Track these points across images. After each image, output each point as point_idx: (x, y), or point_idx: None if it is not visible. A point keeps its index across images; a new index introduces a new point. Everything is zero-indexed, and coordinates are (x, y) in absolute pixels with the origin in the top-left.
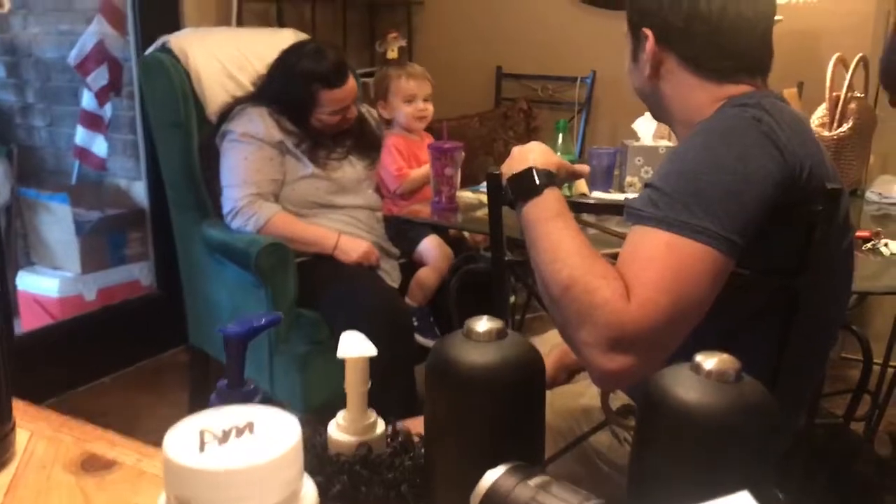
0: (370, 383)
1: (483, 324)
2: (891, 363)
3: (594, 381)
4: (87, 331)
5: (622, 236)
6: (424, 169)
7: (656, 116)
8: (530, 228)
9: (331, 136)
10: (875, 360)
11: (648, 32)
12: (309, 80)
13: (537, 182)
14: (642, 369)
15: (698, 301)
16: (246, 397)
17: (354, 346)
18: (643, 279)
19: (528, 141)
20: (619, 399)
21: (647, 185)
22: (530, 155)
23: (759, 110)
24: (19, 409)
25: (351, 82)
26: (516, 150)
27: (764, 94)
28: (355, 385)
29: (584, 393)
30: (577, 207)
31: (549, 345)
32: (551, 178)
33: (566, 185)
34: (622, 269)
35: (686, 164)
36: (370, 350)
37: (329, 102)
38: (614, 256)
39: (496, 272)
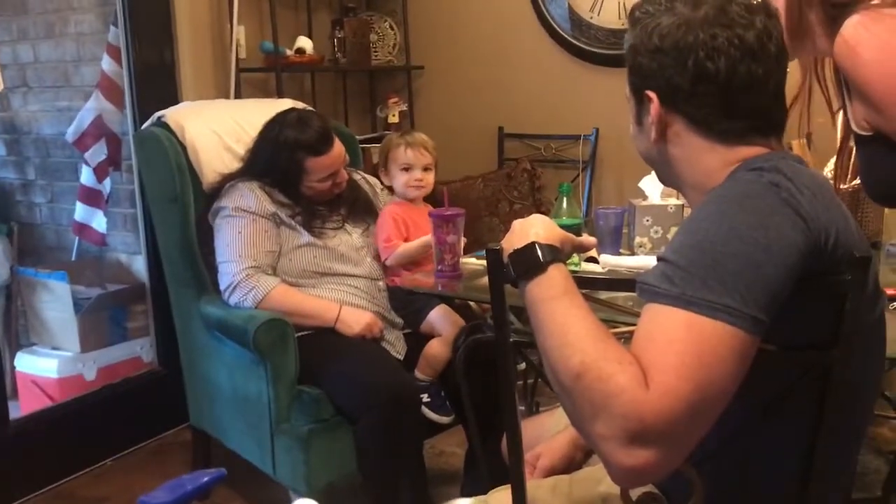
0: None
1: None
2: None
3: (613, 478)
4: (87, 412)
5: (635, 314)
6: (418, 242)
7: (664, 181)
8: (535, 309)
9: (325, 203)
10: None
11: (653, 95)
12: (294, 149)
13: (541, 258)
14: (665, 464)
15: (723, 386)
16: None
17: None
18: (662, 364)
19: (533, 201)
20: (640, 486)
21: (660, 259)
22: (532, 229)
23: (777, 174)
24: None
25: (337, 147)
26: (517, 225)
27: (780, 156)
28: None
29: (602, 479)
30: (585, 283)
31: (564, 421)
32: (556, 254)
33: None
34: (637, 353)
35: (701, 236)
36: None
37: (317, 170)
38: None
39: (500, 357)
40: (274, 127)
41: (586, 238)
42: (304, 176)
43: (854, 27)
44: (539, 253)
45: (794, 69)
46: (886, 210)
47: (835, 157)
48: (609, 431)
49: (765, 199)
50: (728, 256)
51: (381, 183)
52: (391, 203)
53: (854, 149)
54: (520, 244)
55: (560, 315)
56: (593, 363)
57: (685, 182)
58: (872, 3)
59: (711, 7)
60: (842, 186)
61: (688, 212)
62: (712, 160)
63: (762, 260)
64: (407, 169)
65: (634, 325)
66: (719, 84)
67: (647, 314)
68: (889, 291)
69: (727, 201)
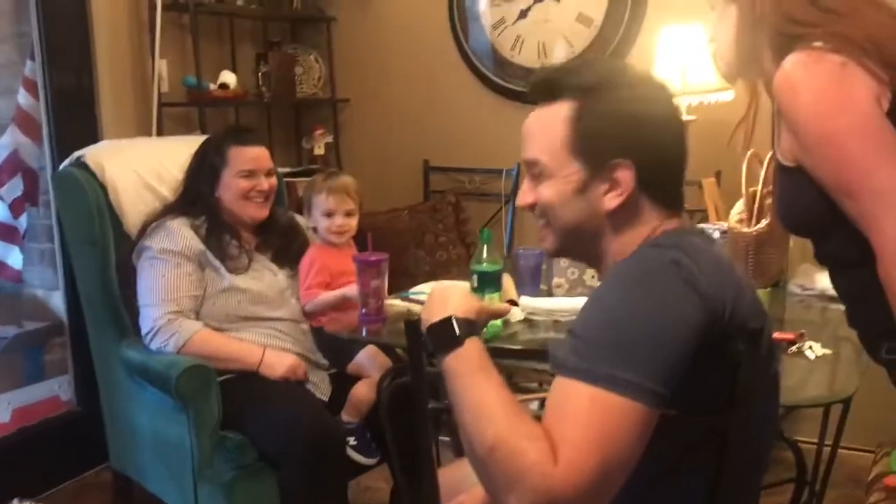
0: None
1: None
2: (826, 443)
3: None
4: (2, 456)
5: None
6: (336, 294)
7: (581, 257)
8: (452, 382)
9: (250, 237)
10: (809, 440)
11: (628, 164)
12: (221, 141)
13: (457, 332)
14: None
15: (626, 457)
16: None
17: None
18: (569, 438)
19: (458, 233)
20: None
21: (569, 332)
22: (449, 302)
23: (678, 251)
24: None
25: (265, 152)
26: (435, 294)
27: (684, 232)
28: None
29: None
30: (502, 353)
31: None
32: (472, 327)
33: (495, 293)
34: (548, 425)
35: (607, 313)
36: None
37: (237, 160)
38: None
39: (418, 425)
40: (208, 137)
41: (501, 306)
42: (225, 169)
43: (795, 65)
44: (455, 327)
45: (740, 89)
46: (791, 245)
47: (741, 200)
48: None
49: (666, 277)
50: (631, 334)
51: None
52: (313, 246)
53: (759, 193)
54: (437, 317)
55: (475, 390)
56: (506, 439)
57: (607, 255)
58: (815, 44)
59: (652, 90)
60: (745, 230)
61: None
62: (636, 234)
63: (663, 337)
64: (329, 215)
65: (546, 391)
66: (672, 163)
67: (556, 387)
68: (790, 336)
69: (631, 280)
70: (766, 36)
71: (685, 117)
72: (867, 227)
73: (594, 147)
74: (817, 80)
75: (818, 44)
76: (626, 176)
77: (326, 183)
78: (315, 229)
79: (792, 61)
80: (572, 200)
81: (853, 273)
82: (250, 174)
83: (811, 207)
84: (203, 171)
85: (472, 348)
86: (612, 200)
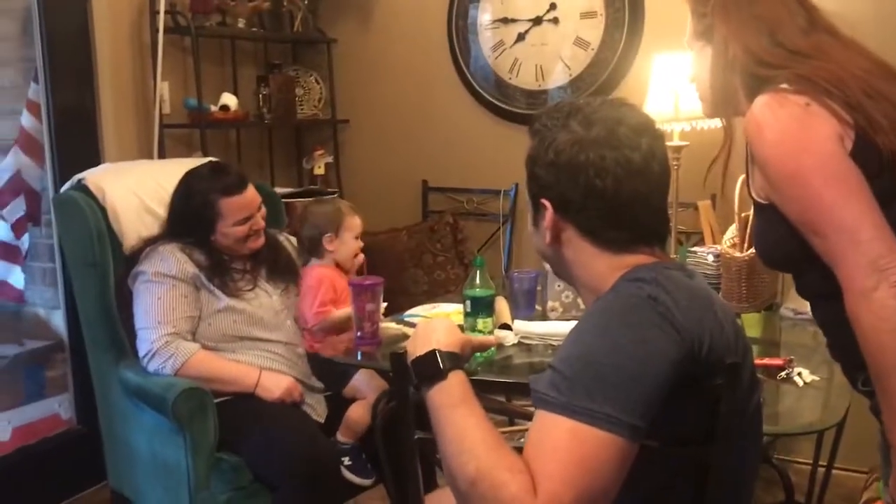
0: None
1: None
2: (821, 462)
3: None
4: (2, 475)
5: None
6: (345, 312)
7: (559, 276)
8: (435, 415)
9: (244, 260)
10: (805, 461)
11: (547, 204)
12: (207, 193)
13: (441, 366)
14: None
15: (604, 490)
16: None
17: None
18: (548, 471)
19: (455, 253)
20: None
21: (549, 366)
22: (434, 335)
23: (656, 287)
24: None
25: (251, 191)
26: (420, 328)
27: (662, 267)
28: None
29: None
30: (485, 387)
31: None
32: (456, 361)
33: (488, 318)
34: (529, 458)
35: (585, 348)
36: None
37: (231, 212)
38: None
39: (405, 455)
40: (189, 178)
41: (487, 338)
42: (220, 221)
43: (762, 107)
44: (439, 360)
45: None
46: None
47: (734, 225)
48: None
49: (643, 313)
50: (609, 368)
51: (324, 250)
52: (319, 266)
53: (751, 218)
54: (422, 351)
55: (457, 423)
56: (487, 471)
57: (577, 281)
58: (781, 86)
59: (602, 129)
60: (737, 255)
61: None
62: (600, 265)
63: (640, 372)
64: (357, 237)
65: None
66: (606, 199)
67: (537, 420)
68: (779, 362)
69: (609, 315)
70: (738, 77)
71: (677, 143)
72: (833, 263)
73: (531, 186)
74: (781, 122)
75: (784, 85)
76: (548, 214)
77: (350, 208)
78: (324, 252)
79: (759, 103)
80: (532, 233)
81: (828, 306)
82: (246, 219)
83: (783, 243)
84: (193, 219)
85: (455, 381)
86: (546, 235)
